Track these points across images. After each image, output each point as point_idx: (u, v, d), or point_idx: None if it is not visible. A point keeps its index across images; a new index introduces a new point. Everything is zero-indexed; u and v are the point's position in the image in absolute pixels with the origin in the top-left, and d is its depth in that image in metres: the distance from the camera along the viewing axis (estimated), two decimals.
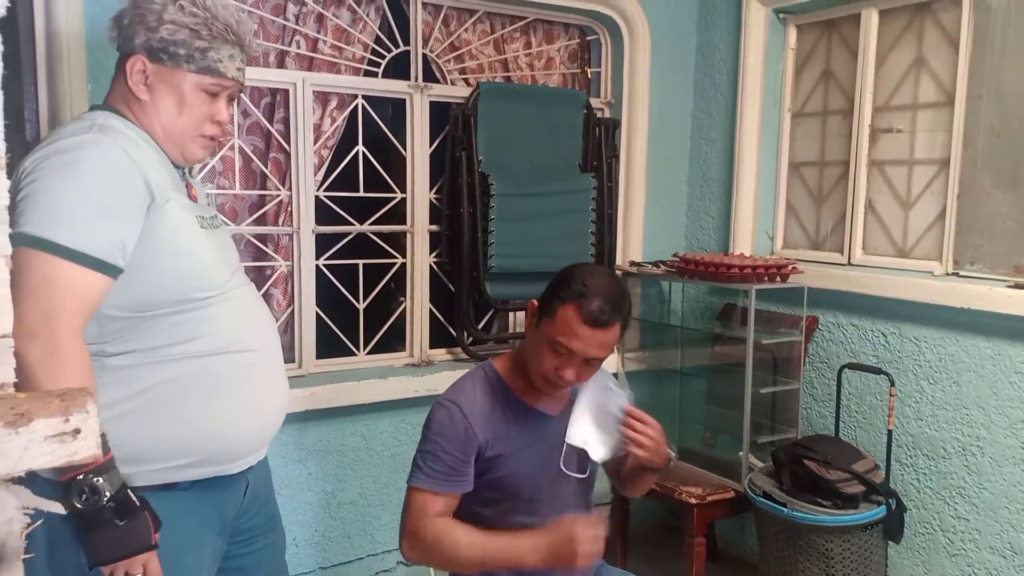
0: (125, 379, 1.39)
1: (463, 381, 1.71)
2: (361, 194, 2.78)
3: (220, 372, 1.47)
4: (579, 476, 1.73)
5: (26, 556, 0.75)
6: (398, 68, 2.83)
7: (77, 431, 0.72)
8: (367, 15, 2.74)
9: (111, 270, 1.33)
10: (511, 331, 3.11)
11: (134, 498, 1.30)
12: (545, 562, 1.48)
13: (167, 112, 1.47)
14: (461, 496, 1.65)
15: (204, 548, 1.51)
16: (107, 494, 1.24)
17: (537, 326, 1.62)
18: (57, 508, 0.93)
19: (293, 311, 2.68)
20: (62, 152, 1.33)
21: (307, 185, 2.64)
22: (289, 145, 2.62)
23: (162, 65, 1.45)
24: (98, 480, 1.24)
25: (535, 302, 1.66)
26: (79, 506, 1.23)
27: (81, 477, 1.22)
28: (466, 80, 2.96)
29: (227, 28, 1.47)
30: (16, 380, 0.77)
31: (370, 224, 2.82)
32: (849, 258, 2.93)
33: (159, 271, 1.40)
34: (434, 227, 2.90)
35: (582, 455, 1.70)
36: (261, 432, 1.58)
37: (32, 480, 0.73)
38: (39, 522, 0.80)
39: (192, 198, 1.55)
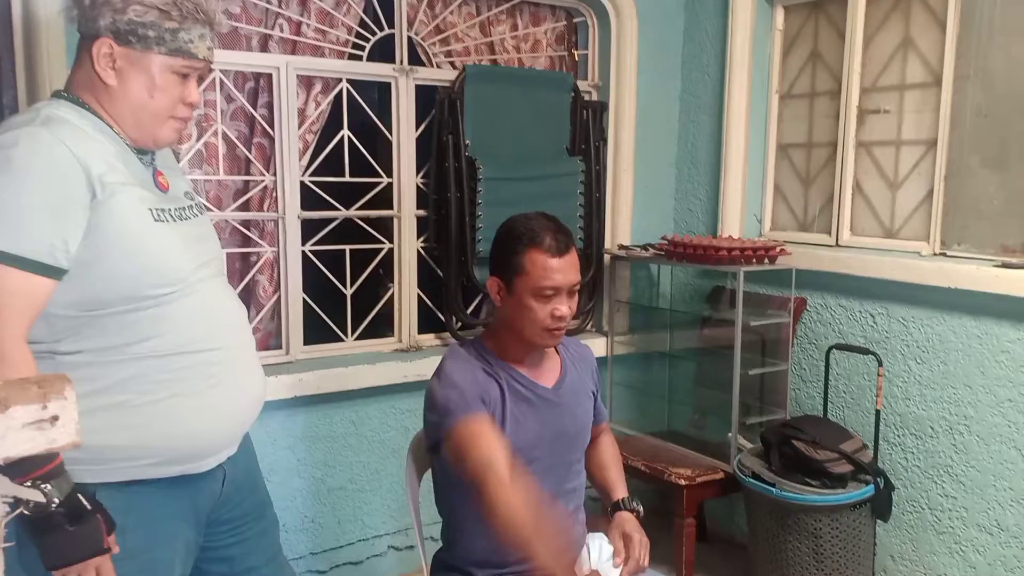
0: (79, 377, 1.35)
1: (454, 357, 1.74)
2: (347, 179, 2.76)
3: (182, 372, 1.42)
4: (572, 429, 1.79)
5: (6, 545, 0.75)
6: (383, 51, 2.80)
7: (55, 418, 0.72)
8: None
9: (54, 272, 1.29)
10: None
11: (85, 502, 1.27)
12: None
13: (137, 97, 1.42)
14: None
15: (176, 541, 1.48)
16: (55, 500, 1.22)
17: (511, 293, 1.67)
18: (37, 496, 0.92)
19: (279, 297, 2.66)
20: (0, 149, 1.29)
21: (292, 170, 2.62)
22: (273, 130, 2.59)
23: (131, 48, 1.39)
24: (46, 487, 1.21)
25: (495, 278, 1.71)
26: (26, 512, 1.20)
27: (29, 484, 1.19)
28: (452, 63, 2.93)
29: (196, 7, 1.42)
30: None
31: (356, 209, 2.80)
32: (837, 239, 2.93)
33: (107, 269, 1.35)
34: (421, 212, 2.88)
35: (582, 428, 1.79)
36: (230, 431, 1.54)
37: None
38: (18, 510, 0.79)
39: (161, 186, 1.49)
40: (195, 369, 1.44)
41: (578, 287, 1.69)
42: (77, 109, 1.41)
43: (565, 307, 1.65)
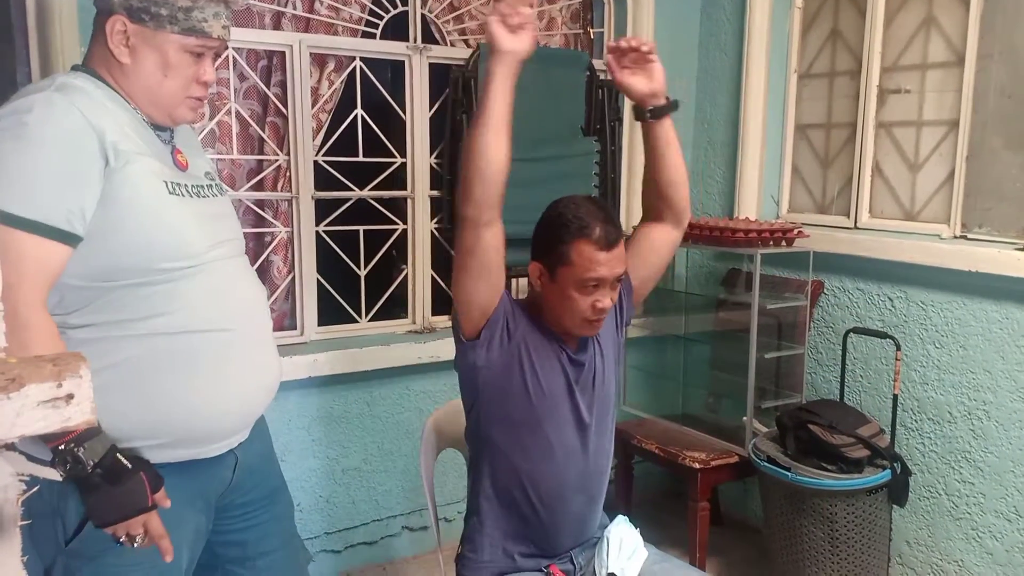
0: (89, 353, 1.34)
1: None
2: (361, 159, 2.74)
3: (192, 352, 1.40)
4: (597, 397, 1.75)
5: (22, 523, 0.74)
6: (397, 29, 2.77)
7: (71, 396, 0.71)
8: None
9: (71, 239, 1.28)
10: (512, 297, 3.09)
11: (125, 461, 1.27)
12: (492, 57, 1.53)
13: (151, 76, 1.40)
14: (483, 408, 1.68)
15: (184, 526, 1.46)
16: (90, 463, 1.22)
17: (553, 280, 1.63)
18: (52, 475, 0.92)
19: (294, 278, 2.66)
20: (14, 113, 1.28)
21: (305, 150, 2.60)
22: (287, 109, 2.58)
23: (143, 26, 1.36)
24: (79, 450, 1.21)
25: (537, 263, 1.66)
26: (63, 475, 1.21)
27: (63, 447, 1.19)
28: (466, 41, 2.90)
29: None
30: (7, 344, 0.75)
31: (370, 189, 2.78)
32: (855, 221, 2.90)
33: (119, 239, 1.33)
34: (435, 192, 2.87)
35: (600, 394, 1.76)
36: (241, 414, 1.51)
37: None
38: (35, 488, 0.79)
39: (179, 164, 1.48)
40: (205, 350, 1.42)
41: (623, 278, 1.65)
42: (93, 81, 1.39)
43: (608, 299, 1.61)
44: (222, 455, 1.50)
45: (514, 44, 1.51)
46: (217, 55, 1.49)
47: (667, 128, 1.71)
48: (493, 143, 1.49)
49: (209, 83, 1.47)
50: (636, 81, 1.69)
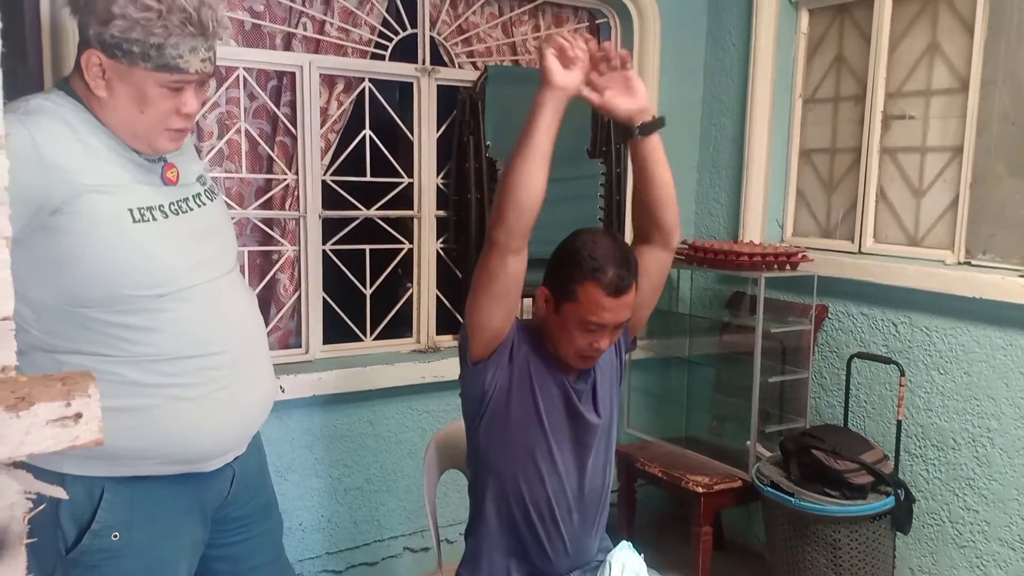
0: None
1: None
2: (368, 179, 2.76)
3: (183, 376, 1.39)
4: (595, 420, 1.76)
5: (29, 541, 0.74)
6: (405, 51, 2.80)
7: (79, 415, 0.71)
8: None
9: None
10: (518, 318, 3.09)
11: None
12: (543, 90, 1.52)
13: (127, 110, 1.37)
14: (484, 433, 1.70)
15: (182, 537, 1.47)
16: None
17: (557, 312, 1.64)
18: (59, 493, 0.92)
19: (299, 296, 2.67)
20: None
21: (314, 169, 2.62)
22: (296, 129, 2.60)
23: (118, 62, 1.33)
24: None
25: (546, 289, 1.68)
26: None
27: None
28: (474, 64, 2.93)
29: (185, 19, 1.34)
30: (17, 363, 0.75)
31: (377, 209, 2.80)
32: (860, 246, 2.90)
33: (79, 269, 1.32)
34: (441, 212, 2.88)
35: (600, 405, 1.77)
36: (235, 434, 1.51)
37: None
38: (42, 507, 0.79)
39: (168, 180, 1.45)
40: (197, 373, 1.41)
41: (625, 323, 1.67)
42: (73, 103, 1.37)
43: (605, 342, 1.63)
44: (220, 468, 1.52)
45: (567, 80, 1.52)
46: (202, 83, 1.45)
47: (656, 146, 1.66)
48: (534, 174, 1.52)
49: (191, 115, 1.43)
50: (619, 102, 1.62)
